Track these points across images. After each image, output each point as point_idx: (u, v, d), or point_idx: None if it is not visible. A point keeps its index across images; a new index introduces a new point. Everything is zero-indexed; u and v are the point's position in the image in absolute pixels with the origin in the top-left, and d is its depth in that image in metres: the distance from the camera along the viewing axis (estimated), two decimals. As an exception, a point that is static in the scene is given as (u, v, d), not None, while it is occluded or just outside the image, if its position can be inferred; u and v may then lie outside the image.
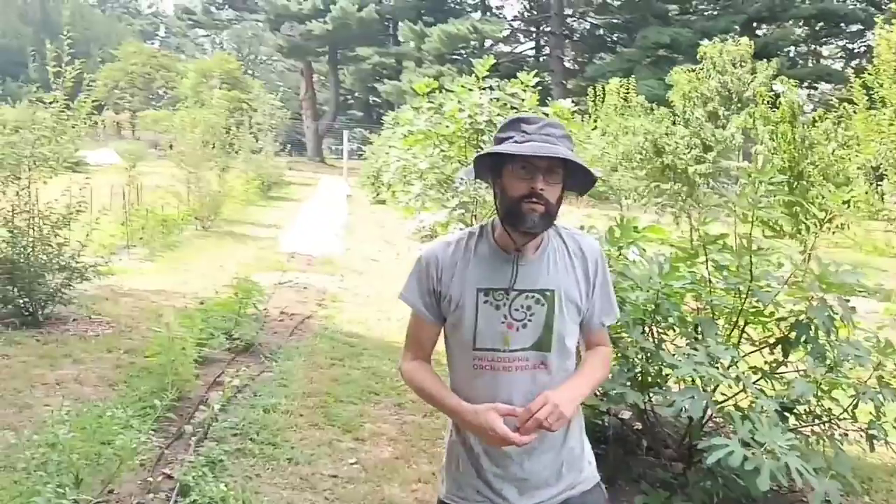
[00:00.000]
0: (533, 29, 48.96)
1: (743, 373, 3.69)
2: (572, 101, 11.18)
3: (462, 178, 2.04)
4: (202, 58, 55.54)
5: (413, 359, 2.05)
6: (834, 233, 10.46)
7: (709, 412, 3.77)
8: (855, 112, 7.76)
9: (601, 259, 1.99)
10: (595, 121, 17.10)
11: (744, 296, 3.82)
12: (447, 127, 10.64)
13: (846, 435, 3.88)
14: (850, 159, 10.31)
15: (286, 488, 3.71)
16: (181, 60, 51.24)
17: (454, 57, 42.73)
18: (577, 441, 2.01)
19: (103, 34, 53.46)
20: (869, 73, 7.60)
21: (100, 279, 7.03)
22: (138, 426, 3.54)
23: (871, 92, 7.67)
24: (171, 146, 14.96)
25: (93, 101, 7.37)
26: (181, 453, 3.87)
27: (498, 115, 10.24)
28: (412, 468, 4.06)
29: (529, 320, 1.88)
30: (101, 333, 6.20)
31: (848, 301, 3.82)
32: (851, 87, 8.03)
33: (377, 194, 23.26)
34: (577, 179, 1.88)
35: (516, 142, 1.78)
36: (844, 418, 3.80)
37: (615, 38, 44.93)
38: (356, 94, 58.89)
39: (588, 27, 46.76)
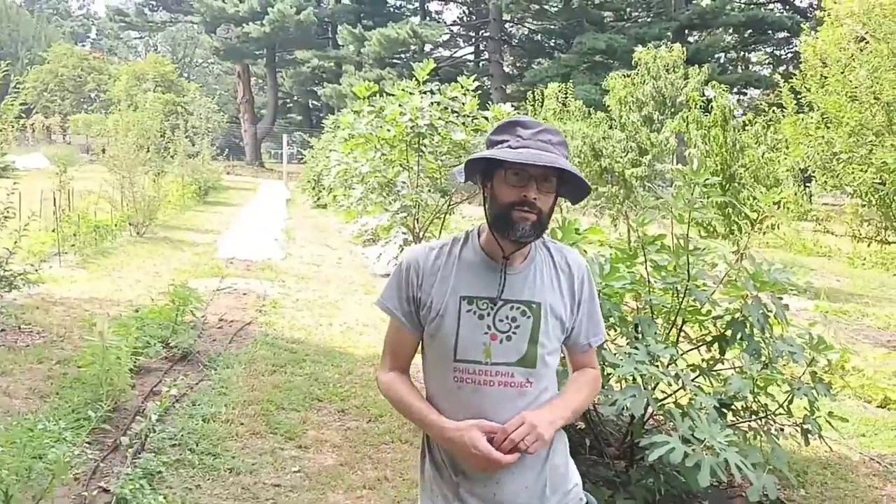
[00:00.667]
0: (472, 34, 49.25)
1: (682, 370, 3.77)
2: (512, 106, 11.29)
3: (457, 175, 1.89)
4: (135, 60, 54.26)
5: (390, 369, 1.96)
6: (765, 233, 10.78)
7: (650, 410, 3.83)
8: (784, 116, 7.99)
9: (587, 276, 1.92)
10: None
11: (682, 295, 3.90)
12: (388, 131, 10.62)
13: (781, 430, 4.00)
14: (778, 162, 10.64)
15: (227, 499, 3.63)
16: (113, 63, 49.95)
17: (394, 61, 42.68)
18: (562, 460, 1.92)
19: (31, 36, 51.72)
20: (797, 79, 7.83)
21: (30, 287, 6.78)
22: (72, 439, 3.41)
23: (800, 97, 7.92)
24: (103, 150, 14.55)
25: (21, 105, 7.10)
26: (118, 466, 3.75)
27: (439, 118, 10.27)
28: (357, 474, 4.02)
29: (514, 332, 1.79)
30: (31, 344, 5.97)
31: (781, 299, 3.94)
32: (780, 91, 8.27)
33: (318, 198, 23.07)
34: (571, 188, 1.81)
35: (511, 147, 1.71)
36: (780, 413, 3.91)
37: (553, 44, 45.52)
38: (295, 98, 58.31)
39: (526, 33, 47.27)
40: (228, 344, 6.42)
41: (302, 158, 34.98)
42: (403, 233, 11.76)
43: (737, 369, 4.15)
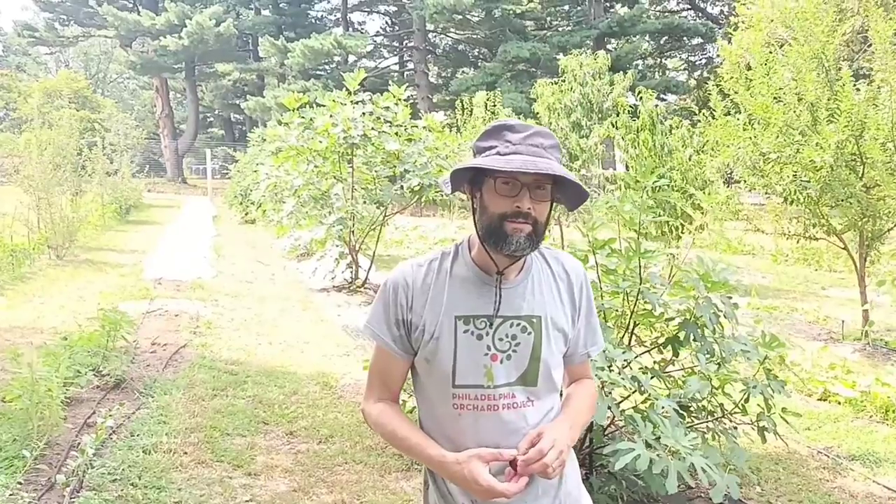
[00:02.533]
0: (396, 44, 49.24)
1: (639, 374, 3.75)
2: (444, 114, 11.24)
3: (446, 183, 1.69)
4: (46, 77, 52.23)
5: (378, 400, 1.79)
6: (693, 234, 11.00)
7: (608, 416, 3.79)
8: (714, 117, 8.16)
9: (586, 281, 1.81)
10: (463, 133, 17.29)
11: (633, 298, 3.88)
12: (320, 142, 10.44)
13: (735, 428, 4.02)
14: (705, 164, 10.88)
15: (176, 535, 3.42)
16: (23, 80, 47.90)
17: (318, 72, 42.28)
18: (575, 485, 1.79)
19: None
20: (725, 81, 8.01)
21: (-58, 319, 6.36)
22: (4, 481, 3.15)
23: (727, 98, 8.10)
24: (16, 170, 13.85)
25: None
26: (53, 507, 3.49)
27: (372, 128, 10.16)
28: (312, 500, 3.85)
29: (514, 351, 1.66)
30: (-53, 379, 5.57)
31: (730, 298, 3.97)
32: (707, 94, 8.46)
33: (246, 214, 22.58)
34: (567, 194, 1.68)
35: (500, 153, 1.57)
36: (735, 412, 3.93)
37: (477, 53, 45.91)
38: (216, 112, 57.22)
39: (450, 42, 47.51)
40: (164, 369, 6.13)
41: (226, 173, 34.27)
42: (337, 245, 11.59)
43: (687, 370, 4.17)
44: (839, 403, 5.79)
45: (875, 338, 7.76)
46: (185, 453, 4.32)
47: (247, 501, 3.79)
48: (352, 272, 11.40)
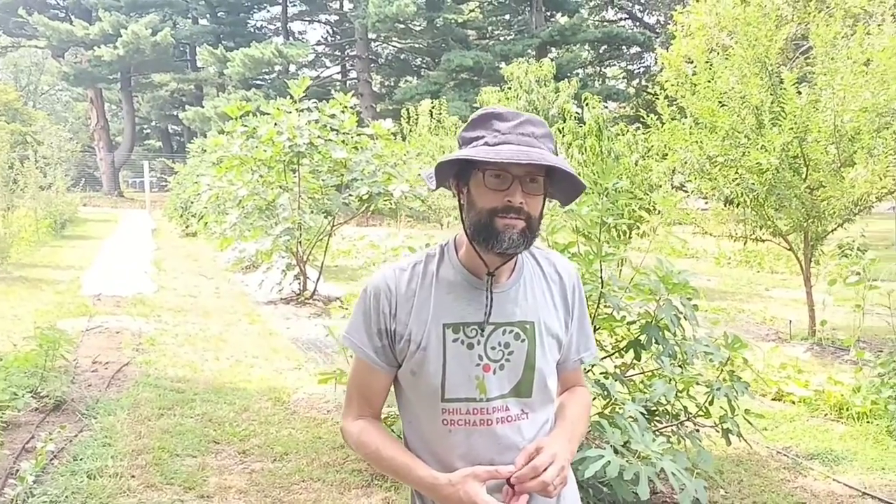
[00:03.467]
0: (338, 53, 48.94)
1: (604, 376, 3.70)
2: (393, 121, 11.14)
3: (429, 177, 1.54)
4: (-27, 88, 50.31)
5: (359, 417, 1.64)
6: (649, 237, 11.11)
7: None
8: (662, 122, 8.23)
9: (578, 283, 1.68)
10: (410, 142, 17.20)
11: (596, 302, 3.82)
12: (264, 151, 10.21)
13: (698, 430, 3.99)
14: (651, 169, 11.00)
15: (125, 566, 3.22)
16: (-53, 92, 46.06)
17: (258, 82, 41.74)
18: (573, 502, 1.68)
19: None
20: (671, 87, 8.10)
21: None
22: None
23: (674, 103, 8.19)
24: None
25: None
26: (-11, 541, 3.25)
27: (318, 136, 9.98)
28: (270, 521, 3.68)
29: (507, 360, 1.54)
30: None
31: (690, 300, 3.94)
32: (647, 101, 8.56)
33: (186, 226, 22.05)
34: (561, 187, 1.55)
35: (488, 143, 1.44)
36: (700, 415, 3.90)
37: (419, 62, 45.94)
38: (153, 123, 55.97)
39: (393, 51, 47.45)
40: (106, 388, 5.84)
41: (165, 186, 33.49)
42: (283, 256, 11.35)
43: (647, 374, 4.14)
44: (793, 403, 5.85)
45: (821, 337, 7.91)
46: (133, 477, 4.09)
47: (200, 526, 3.60)
48: (299, 284, 11.17)
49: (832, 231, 8.19)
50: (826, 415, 5.56)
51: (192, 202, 19.94)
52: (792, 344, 7.88)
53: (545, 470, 1.44)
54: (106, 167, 44.87)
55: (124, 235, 21.61)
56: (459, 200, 1.55)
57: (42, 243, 17.85)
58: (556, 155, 1.49)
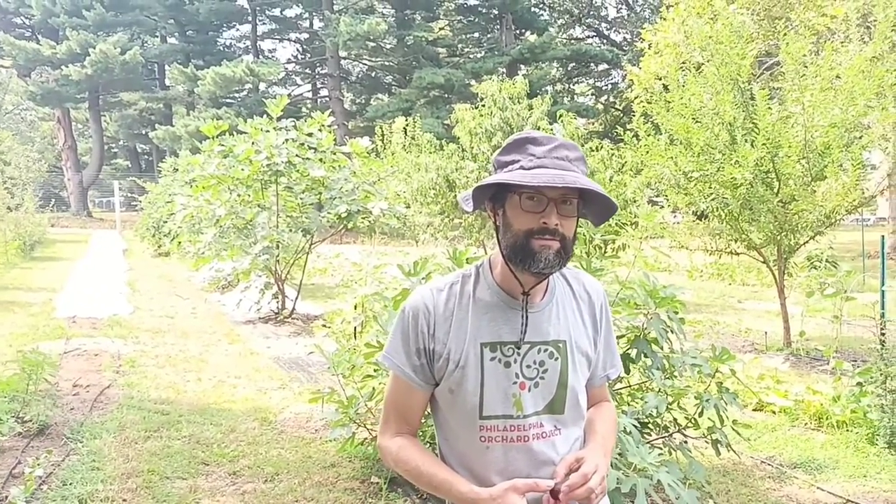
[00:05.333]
0: (309, 71, 48.95)
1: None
2: (370, 140, 11.18)
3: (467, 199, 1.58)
4: (-65, 109, 49.52)
5: (396, 434, 1.67)
6: (617, 251, 11.25)
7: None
8: (638, 138, 8.37)
9: (606, 302, 1.74)
10: (385, 159, 17.24)
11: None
12: (242, 170, 10.19)
13: (685, 442, 4.06)
14: (625, 184, 11.16)
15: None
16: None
17: (228, 100, 41.57)
18: None
19: None
20: (646, 104, 8.25)
21: None
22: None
23: (649, 120, 8.33)
24: None
25: None
26: (-18, 569, 3.21)
27: (296, 155, 9.99)
28: (267, 542, 3.67)
29: (542, 378, 1.59)
30: None
31: (677, 313, 4.02)
32: (615, 118, 8.70)
33: (159, 246, 21.84)
34: (594, 208, 1.60)
35: (524, 167, 1.50)
36: (689, 426, 3.97)
37: (390, 80, 46.12)
38: (121, 142, 55.48)
39: (364, 69, 47.60)
40: (89, 412, 5.78)
41: (135, 205, 33.12)
42: (260, 275, 11.30)
43: (634, 387, 4.20)
44: (774, 413, 5.96)
45: (797, 347, 8.06)
46: (125, 500, 4.06)
47: (197, 549, 3.58)
48: (278, 303, 11.12)
49: (804, 244, 8.37)
50: (806, 424, 5.67)
51: (164, 221, 19.77)
52: (769, 355, 8.02)
53: (591, 478, 1.48)
54: (74, 187, 44.30)
55: (96, 256, 21.35)
56: (495, 222, 1.59)
57: (12, 265, 17.60)
58: (588, 176, 1.55)
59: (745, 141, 7.57)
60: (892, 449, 4.95)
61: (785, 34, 7.71)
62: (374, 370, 4.22)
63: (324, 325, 6.67)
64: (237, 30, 49.83)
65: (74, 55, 37.58)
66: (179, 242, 16.15)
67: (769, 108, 7.61)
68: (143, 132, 47.66)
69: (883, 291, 7.09)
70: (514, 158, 1.53)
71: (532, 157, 1.51)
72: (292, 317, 10.86)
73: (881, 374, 5.05)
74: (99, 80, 38.84)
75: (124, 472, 4.50)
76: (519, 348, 1.58)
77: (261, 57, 44.90)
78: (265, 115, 10.44)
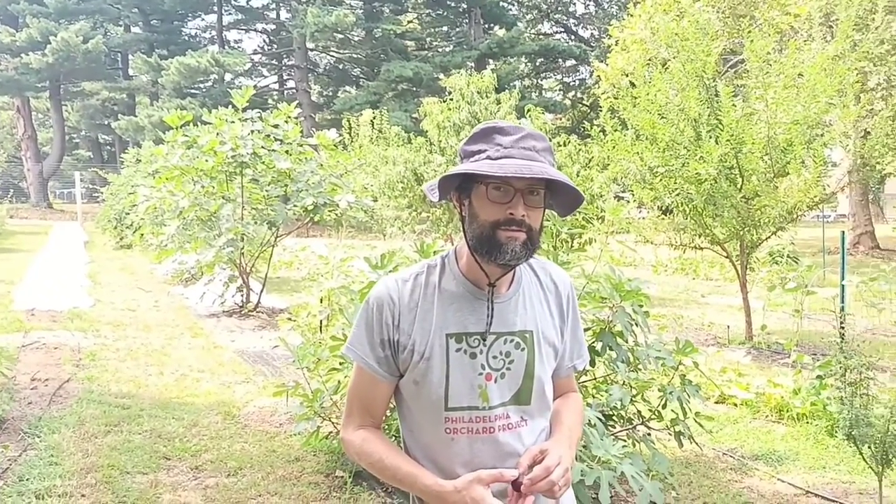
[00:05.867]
0: (275, 62, 48.48)
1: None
2: (337, 133, 11.09)
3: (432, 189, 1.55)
4: None
5: (360, 427, 1.64)
6: (582, 246, 11.31)
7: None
8: (605, 134, 8.43)
9: (573, 292, 1.72)
10: (352, 152, 17.17)
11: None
12: (206, 161, 10.05)
13: (649, 434, 4.10)
14: (592, 179, 11.22)
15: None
16: None
17: (193, 91, 41.01)
18: None
19: None
20: (614, 100, 8.30)
21: None
22: None
23: (616, 115, 8.39)
24: None
25: None
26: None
27: (262, 147, 9.88)
28: (229, 537, 3.62)
29: (508, 368, 1.57)
30: None
31: (642, 307, 4.05)
32: (582, 113, 8.75)
33: (121, 238, 21.50)
34: (560, 199, 1.58)
35: (490, 157, 1.47)
36: (652, 418, 4.01)
37: (358, 73, 45.88)
38: (83, 133, 54.42)
39: (332, 61, 47.27)
40: (48, 406, 5.66)
41: (97, 197, 32.59)
42: (224, 268, 11.16)
43: (599, 379, 4.23)
44: (736, 406, 6.04)
45: (759, 341, 8.19)
46: (83, 496, 3.98)
47: (157, 544, 3.52)
48: (242, 296, 11.01)
49: (766, 239, 8.49)
50: (767, 416, 5.76)
51: (127, 213, 19.48)
52: (731, 348, 8.13)
53: (553, 470, 1.47)
54: (34, 178, 43.38)
55: (56, 248, 20.93)
56: (461, 213, 1.57)
57: (-32, 257, 17.17)
58: (556, 167, 1.53)
59: (710, 137, 7.65)
60: (850, 441, 5.04)
61: (749, 32, 7.81)
62: (340, 363, 4.18)
63: (289, 319, 6.61)
64: (202, 19, 49.18)
65: (35, 43, 36.77)
66: (142, 234, 15.95)
67: (733, 104, 7.70)
68: (106, 122, 46.81)
69: (843, 286, 7.22)
70: (480, 148, 1.51)
71: (499, 147, 1.48)
72: (257, 310, 10.76)
73: (840, 367, 5.12)
74: (60, 69, 38.05)
75: (83, 466, 4.41)
76: (485, 339, 1.56)
77: (226, 47, 44.35)
78: (230, 106, 10.31)
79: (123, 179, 21.54)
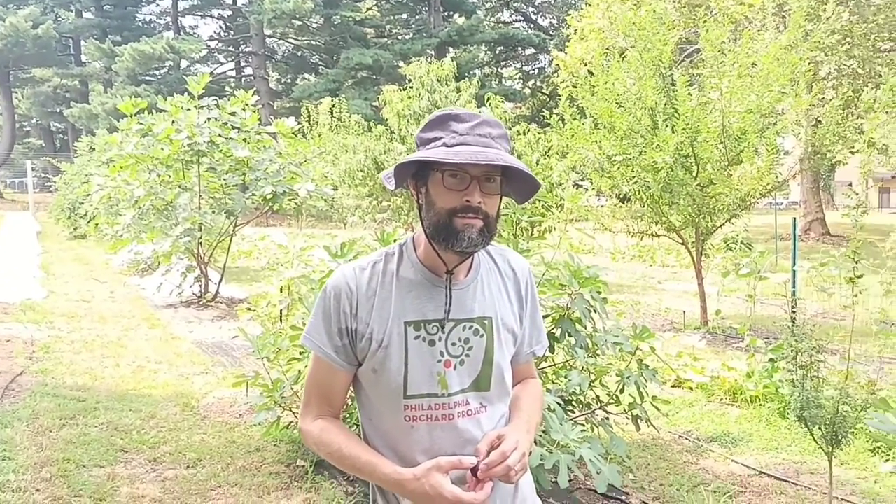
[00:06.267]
0: (232, 49, 47.76)
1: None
2: (296, 120, 10.98)
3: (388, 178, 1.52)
4: None
5: (318, 416, 1.62)
6: (542, 234, 11.41)
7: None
8: (564, 123, 8.48)
9: (531, 278, 1.72)
10: (312, 140, 17.04)
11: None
12: (162, 149, 9.89)
13: (607, 419, 4.16)
14: (552, 167, 11.30)
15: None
16: None
17: (148, 78, 40.25)
18: (530, 491, 1.71)
19: None
20: (572, 88, 8.36)
21: None
22: None
23: (575, 103, 8.45)
24: None
25: None
26: None
27: (219, 135, 9.75)
28: (188, 529, 3.60)
29: (467, 355, 1.56)
30: None
31: (600, 293, 4.10)
32: (542, 102, 8.80)
33: (75, 228, 21.08)
34: (517, 186, 1.58)
35: (446, 144, 1.46)
36: (610, 403, 4.08)
37: (317, 60, 45.44)
38: (34, 120, 53.10)
39: (290, 48, 46.71)
40: (0, 400, 5.54)
41: (49, 186, 31.86)
42: (182, 258, 11.01)
43: (558, 365, 4.28)
44: (691, 389, 6.16)
45: (713, 326, 8.35)
46: (38, 490, 3.91)
47: (115, 538, 3.48)
48: (200, 286, 10.88)
49: (721, 226, 8.65)
50: (722, 399, 5.89)
51: (81, 203, 19.09)
52: (686, 333, 8.28)
53: (509, 455, 1.48)
54: (-18, 167, 42.26)
55: (6, 238, 20.46)
56: (418, 200, 1.57)
57: (-86, 248, 16.69)
58: (512, 154, 1.53)
59: (667, 126, 7.76)
60: (801, 422, 5.18)
61: (705, 22, 7.91)
62: (300, 353, 4.17)
63: (249, 309, 6.55)
64: (157, 5, 48.58)
65: (-18, 28, 35.76)
66: (97, 224, 15.63)
67: (689, 93, 7.81)
68: (58, 110, 45.75)
69: (794, 271, 7.40)
70: (436, 135, 1.50)
71: (455, 134, 1.48)
72: (216, 300, 10.65)
73: (792, 351, 5.24)
74: (9, 55, 37.08)
75: (37, 461, 4.33)
76: (443, 326, 1.56)
77: (182, 33, 43.60)
78: (186, 94, 10.15)
79: (77, 168, 21.09)
